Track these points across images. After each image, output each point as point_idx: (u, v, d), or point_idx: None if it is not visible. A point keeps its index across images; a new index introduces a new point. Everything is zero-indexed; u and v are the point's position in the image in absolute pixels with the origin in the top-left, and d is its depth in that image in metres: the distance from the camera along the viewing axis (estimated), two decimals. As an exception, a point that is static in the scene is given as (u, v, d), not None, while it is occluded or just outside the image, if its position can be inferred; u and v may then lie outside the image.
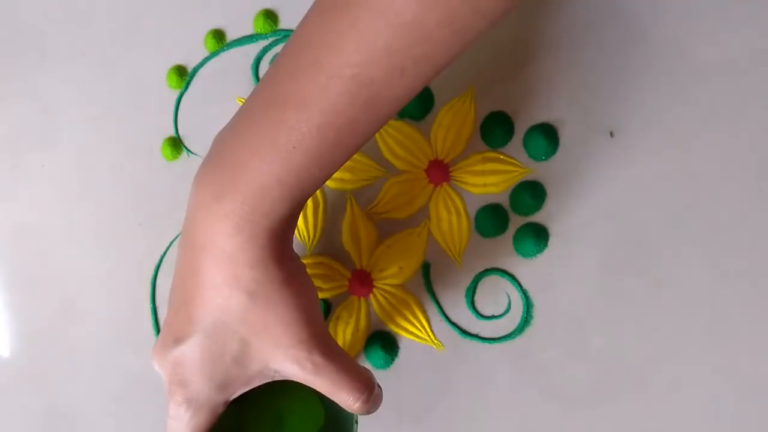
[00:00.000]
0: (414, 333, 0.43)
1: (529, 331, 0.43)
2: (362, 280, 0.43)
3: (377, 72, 0.29)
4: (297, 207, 0.32)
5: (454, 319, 0.43)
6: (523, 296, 0.43)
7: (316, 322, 0.34)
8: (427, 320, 0.43)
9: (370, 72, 0.29)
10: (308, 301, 0.33)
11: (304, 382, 0.34)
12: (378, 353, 0.43)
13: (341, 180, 0.43)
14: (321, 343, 0.33)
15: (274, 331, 0.32)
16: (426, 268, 0.43)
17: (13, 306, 0.44)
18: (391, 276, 0.43)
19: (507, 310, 0.43)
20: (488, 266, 0.43)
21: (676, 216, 0.43)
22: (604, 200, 0.43)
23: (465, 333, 0.43)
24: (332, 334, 0.43)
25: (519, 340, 0.43)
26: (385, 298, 0.43)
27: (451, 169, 0.43)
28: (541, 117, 0.44)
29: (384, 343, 0.43)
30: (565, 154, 0.44)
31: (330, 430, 0.38)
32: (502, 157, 0.43)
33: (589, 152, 0.44)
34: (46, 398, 0.44)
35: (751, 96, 0.44)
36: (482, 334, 0.43)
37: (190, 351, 0.33)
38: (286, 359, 0.33)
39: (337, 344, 0.35)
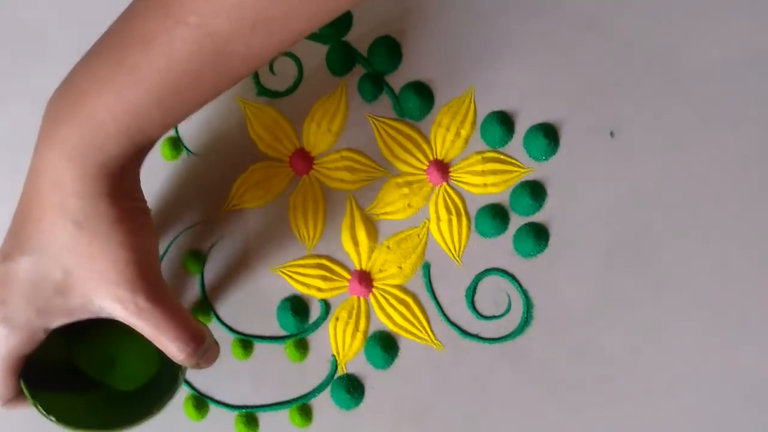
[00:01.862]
0: (414, 333, 0.43)
1: (530, 331, 0.43)
2: (362, 281, 0.43)
3: (223, 24, 0.29)
4: (136, 148, 0.32)
5: (454, 319, 0.43)
6: (523, 296, 0.43)
7: (146, 265, 0.33)
8: (427, 320, 0.43)
9: (215, 23, 0.29)
10: (141, 242, 0.33)
11: (127, 324, 0.34)
12: (378, 353, 0.43)
13: (341, 180, 0.43)
14: (148, 286, 0.33)
15: (99, 265, 0.32)
16: (426, 268, 0.43)
17: None
18: (391, 276, 0.43)
19: (507, 311, 0.43)
20: (488, 266, 0.43)
21: (676, 216, 0.43)
22: (605, 200, 0.43)
23: (465, 333, 0.43)
24: (332, 334, 0.43)
25: (519, 341, 0.43)
26: (385, 298, 0.43)
27: (451, 169, 0.43)
28: (541, 117, 0.44)
29: (384, 343, 0.43)
30: (566, 154, 0.44)
31: (162, 379, 0.38)
32: (502, 157, 0.43)
33: (590, 152, 0.44)
34: None
35: (750, 96, 0.44)
36: (482, 335, 0.43)
37: (14, 271, 0.33)
38: (109, 297, 0.33)
39: (170, 293, 0.34)
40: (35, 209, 0.33)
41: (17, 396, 0.36)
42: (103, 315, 0.34)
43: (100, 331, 0.38)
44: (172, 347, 0.34)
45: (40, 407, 0.35)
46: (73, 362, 0.39)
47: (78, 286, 0.33)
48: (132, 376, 0.40)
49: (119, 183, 0.33)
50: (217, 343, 0.37)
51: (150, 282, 0.34)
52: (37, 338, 0.34)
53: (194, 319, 0.35)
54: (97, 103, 0.31)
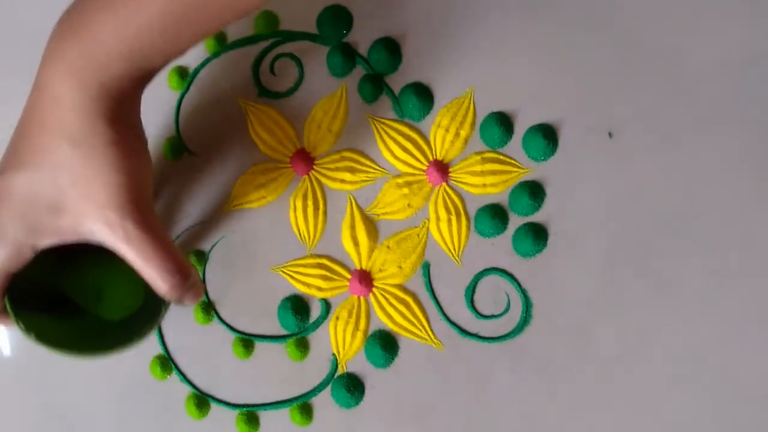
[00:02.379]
0: (414, 332, 0.43)
1: (529, 330, 0.43)
2: (362, 280, 0.43)
3: None
4: (138, 73, 0.33)
5: (453, 318, 0.43)
6: (522, 296, 0.43)
7: (138, 192, 0.33)
8: (427, 320, 0.43)
9: None
10: (135, 168, 0.33)
11: (114, 250, 0.34)
12: (378, 352, 0.43)
13: (341, 180, 0.43)
14: (138, 212, 0.33)
15: (91, 186, 0.32)
16: (426, 268, 0.44)
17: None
18: (391, 276, 0.43)
19: (506, 310, 0.43)
20: (488, 266, 0.44)
21: (674, 216, 0.44)
22: (603, 200, 0.44)
23: (464, 332, 0.43)
24: (332, 333, 0.43)
25: (518, 340, 0.43)
26: (385, 297, 0.43)
27: (450, 170, 0.44)
28: (540, 117, 0.44)
29: (384, 342, 0.43)
30: (564, 154, 0.44)
31: (145, 312, 0.38)
32: (501, 157, 0.44)
33: (588, 152, 0.44)
34: (47, 396, 0.44)
35: (749, 96, 0.44)
36: (482, 334, 0.43)
37: (9, 186, 0.33)
38: (99, 220, 0.33)
39: (159, 224, 0.35)
40: (34, 125, 0.33)
41: (0, 313, 0.36)
42: (92, 239, 0.34)
43: (89, 262, 0.39)
44: (156, 277, 0.34)
45: (21, 325, 0.35)
46: (61, 290, 0.40)
47: (70, 206, 0.33)
48: (117, 308, 0.40)
49: (118, 107, 0.33)
50: (202, 283, 0.37)
51: (140, 209, 0.33)
52: (24, 256, 0.34)
53: (181, 253, 0.35)
54: (101, 24, 0.31)
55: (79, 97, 0.32)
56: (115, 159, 0.33)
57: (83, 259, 0.38)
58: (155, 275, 0.34)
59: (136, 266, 0.34)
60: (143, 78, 0.34)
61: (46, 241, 0.34)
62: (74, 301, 0.40)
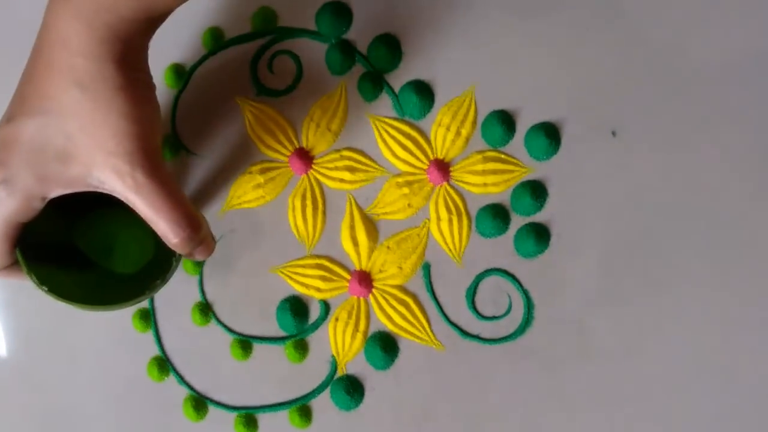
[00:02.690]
0: (414, 333, 0.43)
1: (531, 331, 0.43)
2: (362, 281, 0.43)
3: None
4: (147, 15, 0.32)
5: (454, 319, 0.43)
6: (524, 297, 0.43)
7: (147, 141, 0.33)
8: (428, 321, 0.43)
9: None
10: (144, 116, 0.33)
11: (124, 200, 0.33)
12: (378, 354, 0.43)
13: (341, 180, 0.43)
14: (148, 161, 0.33)
15: (100, 133, 0.32)
16: (426, 269, 0.43)
17: (14, 306, 0.44)
18: (391, 276, 0.43)
19: (508, 311, 0.43)
20: (489, 266, 0.43)
21: (677, 216, 0.44)
22: (606, 200, 0.44)
23: (465, 334, 0.43)
24: (331, 335, 0.43)
25: (520, 341, 0.43)
26: (385, 298, 0.43)
27: (451, 169, 0.43)
28: (542, 116, 0.44)
29: (384, 343, 0.43)
30: (567, 153, 0.44)
31: (157, 266, 0.38)
32: (502, 156, 0.43)
33: (591, 152, 0.44)
34: (45, 398, 0.44)
35: (750, 96, 0.44)
36: (483, 335, 0.43)
37: (17, 133, 0.33)
38: (108, 168, 0.32)
39: (170, 175, 0.34)
40: (42, 69, 0.32)
41: (12, 265, 0.36)
42: (102, 189, 0.33)
43: (100, 215, 0.39)
44: (167, 230, 0.34)
45: (34, 277, 0.36)
46: (72, 244, 0.40)
47: (79, 154, 0.32)
48: (128, 261, 0.41)
49: (127, 51, 0.32)
50: (213, 238, 0.37)
51: (150, 158, 0.33)
52: (34, 206, 0.34)
53: (192, 206, 0.35)
54: None
55: (87, 40, 0.31)
56: (123, 105, 0.32)
57: (94, 212, 0.39)
58: (165, 227, 0.34)
59: (146, 217, 0.34)
60: (153, 22, 0.33)
61: (56, 191, 0.33)
62: (85, 255, 0.40)
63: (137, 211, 0.34)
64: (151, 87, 0.35)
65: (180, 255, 0.37)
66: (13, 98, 0.34)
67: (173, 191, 0.34)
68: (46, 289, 0.36)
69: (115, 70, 0.32)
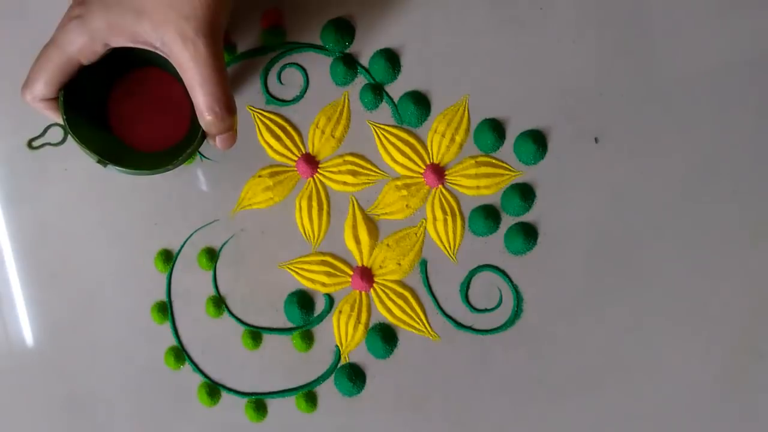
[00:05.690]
0: (412, 325, 0.44)
1: (520, 323, 0.44)
2: (364, 276, 0.44)
3: None
4: None
5: (449, 312, 0.44)
6: (513, 291, 0.44)
7: (217, 15, 0.34)
8: (424, 313, 0.44)
9: None
10: (217, 1, 0.34)
11: (176, 65, 0.34)
12: (378, 344, 0.44)
13: (344, 183, 0.44)
14: (212, 35, 0.34)
15: None
16: (423, 265, 0.44)
17: (38, 299, 0.44)
18: (390, 272, 0.44)
19: (499, 304, 0.44)
20: (481, 263, 0.44)
21: (656, 216, 0.44)
22: (590, 201, 0.44)
23: (459, 325, 0.44)
24: (335, 326, 0.44)
25: (510, 332, 0.44)
26: (385, 292, 0.44)
27: (446, 173, 0.44)
28: (530, 124, 0.44)
29: (384, 334, 0.44)
30: (553, 158, 0.44)
31: (181, 147, 0.38)
32: (494, 161, 0.44)
33: (576, 157, 0.44)
34: (69, 385, 0.44)
35: (728, 104, 0.44)
36: (476, 326, 0.44)
37: None
38: (175, 30, 0.33)
39: (223, 56, 0.35)
40: None
41: (51, 101, 0.36)
42: (161, 49, 0.34)
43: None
44: (204, 102, 0.35)
45: (65, 119, 0.36)
46: (107, 116, 0.40)
47: (153, 11, 0.33)
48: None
49: None
50: (236, 135, 0.37)
51: (214, 32, 0.34)
52: (95, 50, 0.35)
53: (233, 96, 0.36)
54: None
55: None
56: None
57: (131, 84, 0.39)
58: (204, 100, 0.35)
59: (191, 86, 0.34)
60: None
61: (120, 41, 0.34)
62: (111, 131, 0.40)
63: (184, 79, 0.35)
64: None
65: (203, 137, 0.37)
66: None
67: (222, 70, 0.35)
68: (77, 138, 0.35)
69: None
